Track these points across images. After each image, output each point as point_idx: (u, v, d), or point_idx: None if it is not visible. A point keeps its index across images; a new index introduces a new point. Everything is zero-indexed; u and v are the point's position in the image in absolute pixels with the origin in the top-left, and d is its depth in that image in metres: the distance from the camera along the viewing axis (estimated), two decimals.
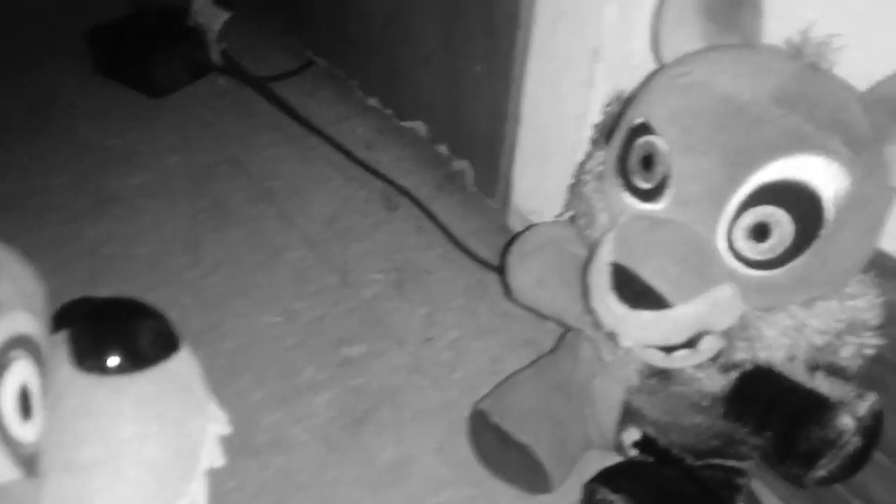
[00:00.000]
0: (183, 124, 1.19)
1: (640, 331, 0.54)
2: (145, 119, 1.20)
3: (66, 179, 1.09)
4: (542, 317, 0.76)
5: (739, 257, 0.54)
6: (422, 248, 1.00)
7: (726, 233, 0.54)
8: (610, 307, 0.54)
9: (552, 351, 0.78)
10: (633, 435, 0.68)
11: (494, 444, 0.71)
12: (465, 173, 1.05)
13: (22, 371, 0.38)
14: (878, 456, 0.64)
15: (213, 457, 0.46)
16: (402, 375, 0.84)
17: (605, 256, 0.55)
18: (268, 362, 0.85)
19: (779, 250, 0.53)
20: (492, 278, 0.95)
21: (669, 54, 0.61)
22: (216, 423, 0.47)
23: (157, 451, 0.42)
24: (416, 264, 0.97)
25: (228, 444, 0.74)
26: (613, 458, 0.72)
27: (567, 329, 0.76)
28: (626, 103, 0.62)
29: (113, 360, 0.42)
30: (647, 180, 0.56)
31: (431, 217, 1.02)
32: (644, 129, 0.57)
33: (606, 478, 0.65)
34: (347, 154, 1.12)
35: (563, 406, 0.70)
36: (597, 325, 0.63)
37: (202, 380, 0.46)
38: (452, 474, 0.75)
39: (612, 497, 0.63)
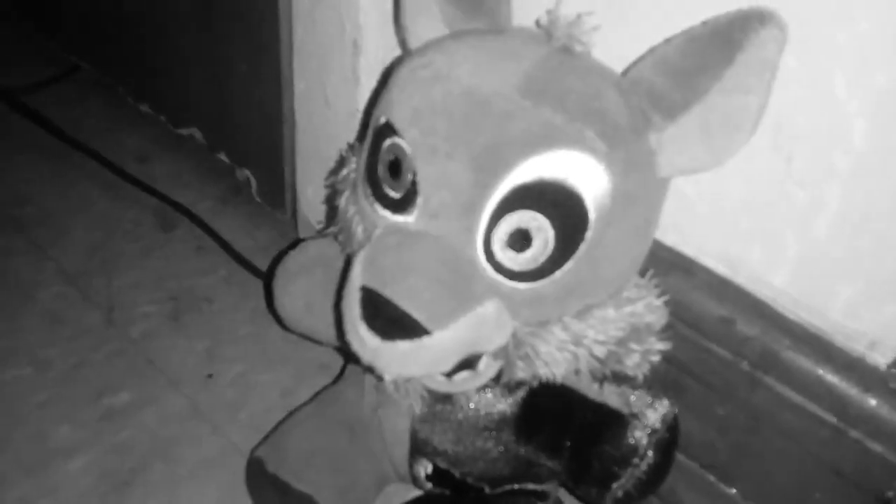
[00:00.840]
0: None
1: (398, 363, 0.47)
2: None
3: None
4: (320, 344, 0.67)
5: (501, 270, 0.47)
6: (202, 271, 0.89)
7: (483, 244, 0.47)
8: (362, 338, 0.46)
9: (335, 381, 0.70)
10: (425, 468, 0.61)
11: (274, 496, 0.62)
12: (249, 183, 0.95)
13: None
14: (686, 462, 0.61)
15: None
16: (175, 424, 0.73)
17: (355, 280, 0.48)
18: (12, 425, 0.72)
19: (542, 259, 0.47)
20: None
21: (415, 43, 0.54)
22: None
23: None
24: (194, 291, 0.86)
25: None
26: (411, 493, 0.65)
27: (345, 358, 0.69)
28: (370, 101, 0.54)
29: None
30: (395, 189, 0.49)
31: (213, 235, 0.92)
32: (389, 129, 0.49)
33: None
34: (115, 170, 0.99)
35: (348, 446, 0.62)
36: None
37: None
38: None
39: None
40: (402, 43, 0.56)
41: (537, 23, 0.50)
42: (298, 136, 0.82)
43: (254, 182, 0.94)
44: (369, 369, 0.56)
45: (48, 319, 0.82)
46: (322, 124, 0.77)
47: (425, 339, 0.45)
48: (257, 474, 0.63)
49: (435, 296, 0.46)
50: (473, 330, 0.47)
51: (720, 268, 0.56)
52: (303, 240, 0.66)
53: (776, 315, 0.54)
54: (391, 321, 0.45)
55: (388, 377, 0.50)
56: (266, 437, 0.66)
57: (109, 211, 0.95)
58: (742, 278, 0.55)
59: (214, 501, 0.68)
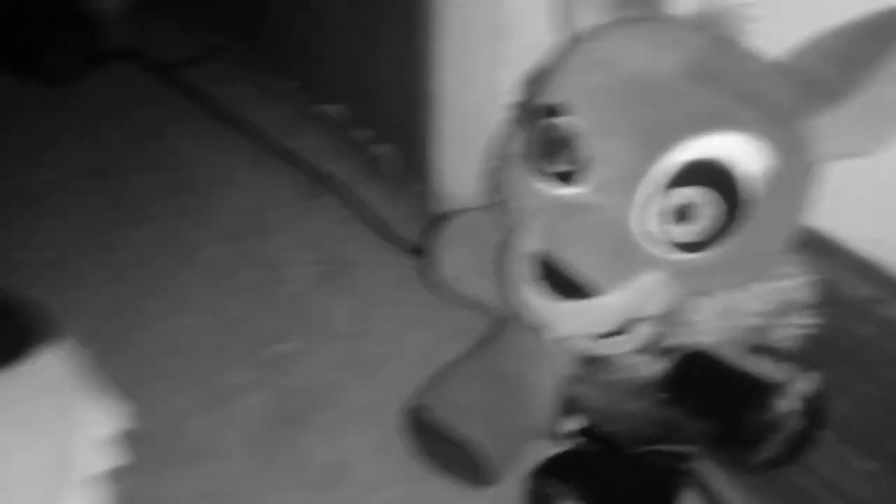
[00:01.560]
0: (86, 116, 1.12)
1: (564, 322, 0.53)
2: (44, 111, 1.12)
3: None
4: (473, 306, 0.74)
5: (664, 241, 0.53)
6: (348, 238, 0.97)
7: (649, 216, 0.52)
8: (532, 298, 0.53)
9: (485, 340, 0.76)
10: (573, 424, 0.68)
11: (433, 440, 0.69)
12: (389, 159, 1.02)
13: None
14: (825, 435, 0.64)
15: (97, 461, 0.41)
16: (333, 372, 0.82)
17: (527, 245, 0.54)
18: (192, 365, 0.81)
19: (702, 233, 0.52)
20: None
21: (580, 29, 0.59)
22: (98, 424, 0.42)
23: (20, 465, 0.37)
24: (343, 256, 0.94)
25: (154, 452, 0.71)
26: (554, 449, 0.72)
27: (500, 317, 0.75)
28: (538, 82, 0.60)
29: None
30: (563, 164, 0.54)
31: (357, 206, 0.99)
32: (558, 109, 0.55)
33: (551, 468, 0.65)
34: (265, 142, 1.08)
35: (501, 397, 0.69)
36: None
37: (79, 380, 0.41)
38: (392, 473, 0.73)
39: (558, 487, 0.63)
40: (567, 28, 0.61)
41: (696, 12, 0.55)
42: (441, 116, 0.89)
43: (392, 158, 1.01)
44: (531, 328, 0.63)
45: (215, 274, 0.91)
46: (464, 105, 0.83)
47: (593, 301, 0.51)
48: (418, 420, 0.70)
49: (604, 261, 0.51)
50: (636, 295, 0.53)
51: (867, 249, 0.60)
52: (459, 210, 0.73)
53: None
54: (562, 282, 0.52)
55: (551, 335, 0.56)
56: (425, 387, 0.73)
57: (261, 180, 1.04)
58: (890, 259, 0.58)
59: (374, 442, 0.76)
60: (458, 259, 0.69)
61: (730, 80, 0.51)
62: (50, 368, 0.39)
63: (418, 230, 0.95)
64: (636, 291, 0.52)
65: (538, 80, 0.61)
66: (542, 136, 0.55)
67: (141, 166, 1.05)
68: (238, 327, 0.85)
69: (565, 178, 0.55)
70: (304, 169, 1.04)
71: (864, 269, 0.59)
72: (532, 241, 0.53)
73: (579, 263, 0.51)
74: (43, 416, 0.37)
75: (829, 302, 0.60)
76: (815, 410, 0.57)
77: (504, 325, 0.73)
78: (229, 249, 0.94)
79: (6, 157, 1.05)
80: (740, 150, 0.50)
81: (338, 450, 0.75)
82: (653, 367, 0.62)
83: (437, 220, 0.76)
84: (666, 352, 0.61)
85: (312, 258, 0.94)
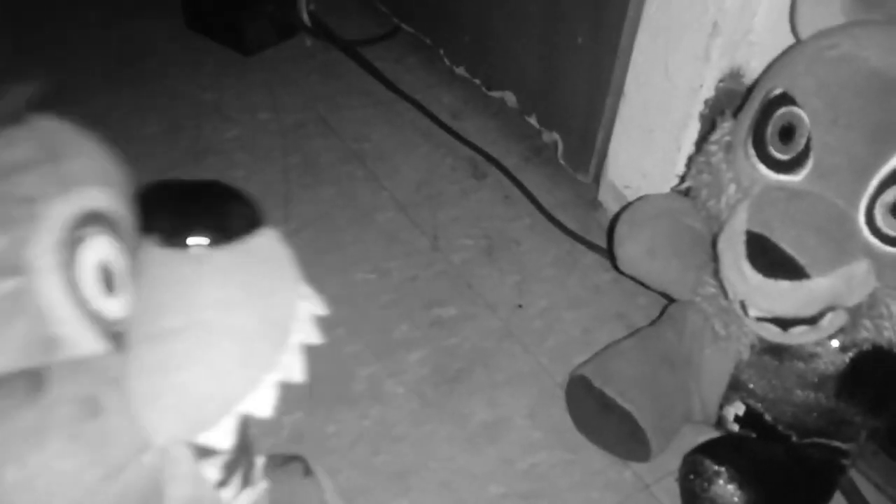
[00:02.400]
0: (272, 82, 1.20)
1: (773, 300, 0.55)
2: (235, 75, 1.22)
3: (159, 129, 1.11)
4: (644, 288, 0.76)
5: (878, 233, 0.54)
6: (510, 217, 1.00)
7: (866, 208, 0.53)
8: (745, 275, 0.54)
9: (653, 323, 0.78)
10: (737, 409, 0.68)
11: (594, 410, 0.71)
12: (555, 145, 1.05)
13: (100, 247, 0.37)
14: None
15: (309, 333, 0.43)
16: (493, 339, 0.85)
17: (740, 225, 0.55)
18: (362, 317, 0.86)
19: None
20: (581, 251, 0.96)
21: (807, 29, 0.60)
22: (309, 302, 0.45)
23: (242, 319, 0.39)
24: (504, 233, 0.98)
25: (325, 391, 0.77)
26: (710, 434, 0.73)
27: (670, 302, 0.77)
28: (768, 73, 0.61)
29: (196, 233, 0.40)
30: (784, 151, 0.56)
31: (520, 187, 1.03)
32: (784, 99, 0.56)
33: (710, 450, 0.66)
34: (434, 121, 1.13)
35: (667, 377, 0.70)
36: (717, 296, 0.63)
37: (292, 261, 0.44)
38: (546, 438, 0.76)
39: (716, 468, 0.63)
40: (793, 27, 0.62)
41: None
42: (623, 106, 0.91)
43: (561, 145, 1.04)
44: (710, 312, 0.64)
45: (386, 238, 0.96)
46: (655, 96, 0.85)
47: (805, 282, 0.53)
48: (581, 389, 0.72)
49: (819, 245, 0.53)
50: (844, 282, 0.54)
51: None
52: (643, 196, 0.75)
53: None
54: (776, 262, 0.53)
55: (754, 313, 0.58)
56: (590, 359, 0.75)
57: (430, 155, 1.09)
58: None
59: (527, 408, 0.79)
60: (639, 239, 0.71)
61: None
62: (271, 247, 0.43)
63: (581, 215, 0.98)
64: (846, 278, 0.53)
65: (768, 71, 0.63)
66: (771, 123, 0.57)
67: (318, 132, 1.11)
68: (404, 288, 0.90)
69: (788, 164, 0.56)
70: (472, 148, 1.08)
71: None
72: (748, 222, 0.54)
73: (796, 245, 0.52)
74: (268, 284, 0.41)
75: None
76: None
77: (677, 309, 0.74)
78: (399, 217, 0.99)
79: (198, 112, 1.14)
80: None
81: (494, 411, 0.78)
82: (831, 359, 0.62)
83: (623, 206, 0.78)
84: (850, 345, 0.61)
85: (476, 233, 0.97)
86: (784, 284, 0.53)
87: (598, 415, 0.71)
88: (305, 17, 1.27)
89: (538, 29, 1.01)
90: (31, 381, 0.34)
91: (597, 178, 1.00)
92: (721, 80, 0.78)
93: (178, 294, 0.39)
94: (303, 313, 0.43)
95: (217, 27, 1.27)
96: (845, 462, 0.66)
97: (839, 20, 0.58)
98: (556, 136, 1.05)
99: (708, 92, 0.79)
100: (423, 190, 1.03)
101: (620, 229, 0.72)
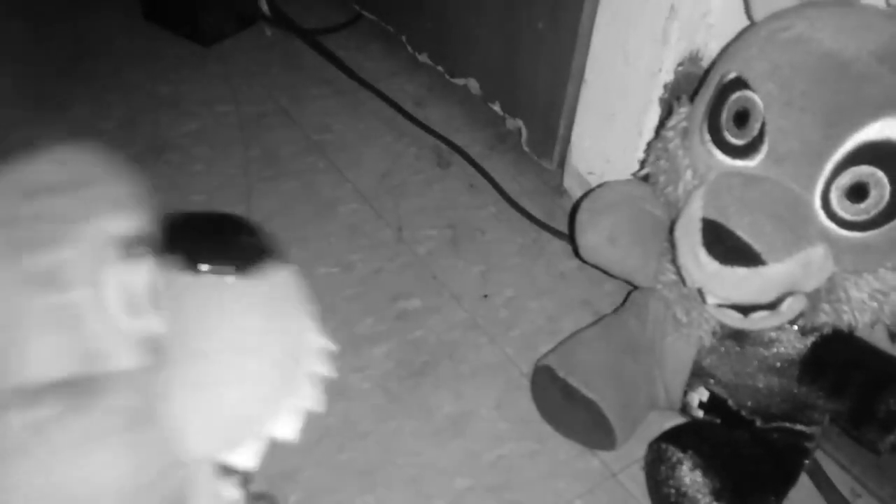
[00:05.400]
0: (231, 74, 1.18)
1: (730, 288, 0.54)
2: (193, 67, 1.19)
3: (116, 124, 1.08)
4: (609, 275, 0.75)
5: (834, 217, 0.53)
6: (475, 206, 0.99)
7: (822, 192, 0.53)
8: (700, 263, 0.54)
9: (616, 311, 0.77)
10: (701, 395, 0.68)
11: (559, 400, 0.71)
12: (519, 132, 1.04)
13: (133, 267, 0.39)
14: None
15: (321, 365, 0.46)
16: (459, 331, 0.84)
17: (696, 212, 0.55)
18: (325, 312, 0.84)
19: (874, 211, 0.52)
20: (546, 239, 0.95)
21: (761, 11, 0.60)
22: (319, 336, 0.47)
23: (265, 344, 0.42)
24: (469, 222, 0.97)
25: None
26: (676, 420, 0.72)
27: (634, 288, 0.76)
28: (722, 57, 0.60)
29: (219, 262, 0.42)
30: (739, 136, 0.56)
31: (485, 175, 1.02)
32: (738, 83, 0.56)
33: (674, 437, 0.65)
34: (398, 109, 1.11)
35: (631, 365, 0.70)
36: (677, 283, 0.63)
37: (304, 295, 0.46)
38: (512, 429, 0.75)
39: (680, 455, 0.63)
40: (746, 8, 0.61)
41: (887, 2, 0.55)
42: (584, 92, 0.90)
43: (524, 132, 1.03)
44: (672, 299, 0.63)
45: (349, 230, 0.95)
46: (615, 81, 0.84)
47: (761, 269, 0.52)
48: (546, 379, 0.72)
49: (775, 231, 0.52)
50: (802, 268, 0.53)
51: None
52: (603, 183, 0.74)
53: None
54: (732, 249, 0.52)
55: (712, 301, 0.57)
56: (554, 349, 0.74)
57: (394, 145, 1.07)
58: None
59: (493, 399, 0.78)
60: (599, 227, 0.70)
61: None
62: (284, 279, 0.44)
63: (546, 203, 0.97)
64: (803, 264, 0.53)
65: (722, 54, 0.62)
66: (726, 108, 0.56)
67: (279, 124, 1.09)
68: (368, 281, 0.89)
69: (743, 150, 0.56)
70: (436, 137, 1.07)
71: None
72: (703, 209, 0.54)
73: (752, 232, 0.51)
74: (280, 313, 0.43)
75: None
76: None
77: (640, 295, 0.74)
78: (362, 208, 0.97)
79: (156, 106, 1.11)
80: None
81: (460, 404, 0.77)
82: (792, 344, 0.62)
83: (583, 193, 0.78)
84: (810, 330, 0.61)
85: (440, 223, 0.96)
86: (740, 271, 0.52)
87: (564, 404, 0.71)
88: (264, 6, 1.25)
89: (498, 14, 0.99)
90: (82, 389, 0.36)
91: (561, 165, 0.99)
92: (680, 64, 0.77)
93: (207, 317, 0.41)
94: (315, 346, 0.45)
95: (175, 18, 1.24)
96: (809, 445, 0.66)
97: (793, 1, 0.57)
98: (519, 122, 1.04)
99: (667, 76, 0.78)
100: (387, 180, 1.02)
101: (581, 217, 0.72)
